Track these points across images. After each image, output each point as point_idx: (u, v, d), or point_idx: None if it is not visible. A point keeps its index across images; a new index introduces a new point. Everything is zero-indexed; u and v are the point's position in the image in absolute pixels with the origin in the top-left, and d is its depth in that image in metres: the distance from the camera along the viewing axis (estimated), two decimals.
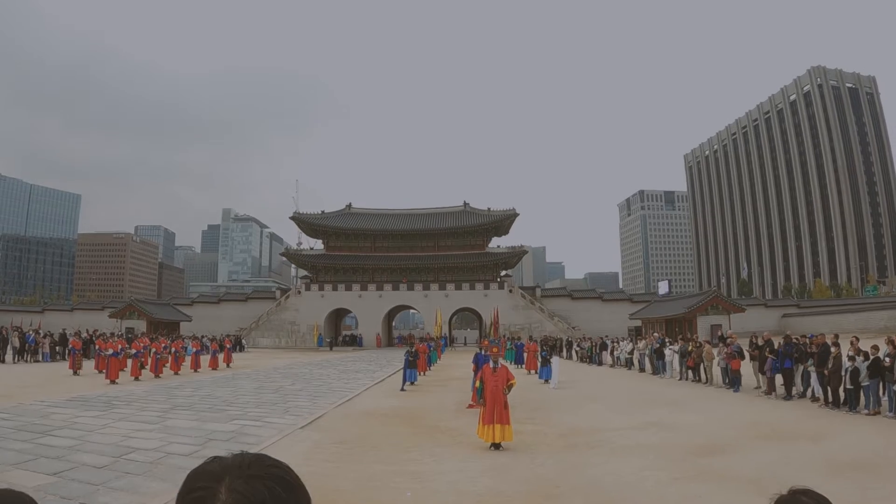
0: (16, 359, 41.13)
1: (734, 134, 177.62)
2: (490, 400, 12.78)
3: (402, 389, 25.97)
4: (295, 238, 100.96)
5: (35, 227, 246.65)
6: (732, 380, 24.27)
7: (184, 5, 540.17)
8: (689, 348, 29.09)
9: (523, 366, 37.83)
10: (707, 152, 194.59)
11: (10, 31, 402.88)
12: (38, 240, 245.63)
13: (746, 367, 24.32)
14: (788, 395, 20.77)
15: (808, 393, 20.42)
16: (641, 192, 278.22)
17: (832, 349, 18.95)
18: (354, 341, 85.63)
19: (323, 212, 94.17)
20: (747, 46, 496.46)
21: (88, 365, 35.20)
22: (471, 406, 18.97)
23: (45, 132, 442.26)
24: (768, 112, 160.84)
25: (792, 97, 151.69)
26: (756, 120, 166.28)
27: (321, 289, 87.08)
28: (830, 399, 18.43)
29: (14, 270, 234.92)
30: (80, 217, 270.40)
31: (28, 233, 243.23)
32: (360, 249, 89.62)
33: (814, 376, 19.99)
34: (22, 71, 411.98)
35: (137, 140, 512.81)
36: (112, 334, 44.74)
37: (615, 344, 42.90)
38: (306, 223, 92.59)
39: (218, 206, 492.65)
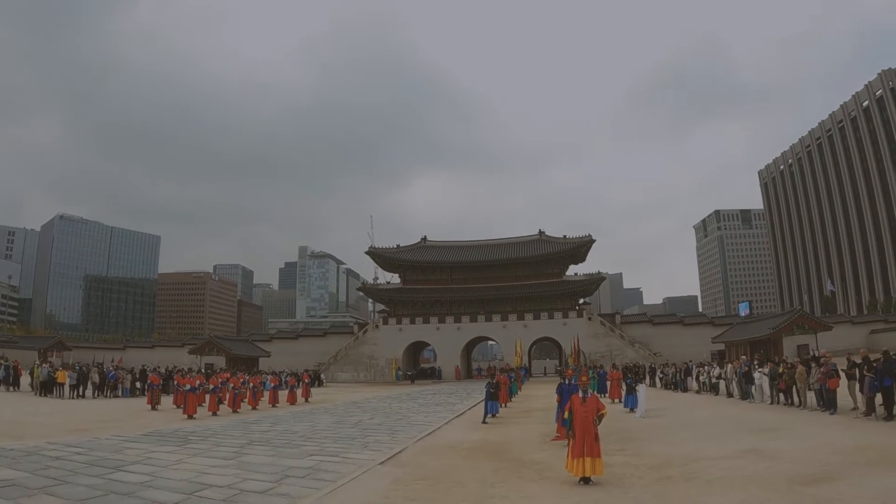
0: (95, 394, 42.13)
1: (808, 146, 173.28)
2: (580, 432, 12.34)
3: (484, 422, 25.66)
4: (371, 273, 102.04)
5: (117, 267, 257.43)
6: (828, 401, 23.18)
7: (268, 62, 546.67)
8: (781, 370, 28.13)
9: (607, 395, 37.15)
10: (782, 167, 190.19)
11: (97, 82, 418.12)
12: (119, 280, 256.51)
13: (841, 388, 23.12)
14: (890, 416, 19.76)
15: None
16: (717, 213, 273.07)
17: None
18: (433, 374, 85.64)
19: (398, 246, 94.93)
20: (814, 56, 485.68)
21: (167, 400, 35.81)
22: (556, 438, 18.65)
23: (127, 178, 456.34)
24: (842, 121, 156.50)
25: (865, 103, 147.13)
26: (830, 130, 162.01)
27: (399, 322, 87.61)
28: None
29: (97, 309, 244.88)
30: (161, 257, 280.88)
31: (110, 273, 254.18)
32: (436, 282, 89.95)
33: None
34: (105, 121, 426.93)
35: (214, 182, 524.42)
36: (190, 370, 45.43)
37: (701, 369, 41.91)
38: (382, 258, 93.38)
39: (294, 244, 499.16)
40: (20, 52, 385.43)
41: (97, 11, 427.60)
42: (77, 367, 43.79)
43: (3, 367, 44.95)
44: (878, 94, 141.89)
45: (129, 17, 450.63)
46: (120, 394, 43.34)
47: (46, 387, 40.63)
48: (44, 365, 43.99)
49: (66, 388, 40.30)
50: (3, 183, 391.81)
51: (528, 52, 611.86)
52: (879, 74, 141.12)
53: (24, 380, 44.89)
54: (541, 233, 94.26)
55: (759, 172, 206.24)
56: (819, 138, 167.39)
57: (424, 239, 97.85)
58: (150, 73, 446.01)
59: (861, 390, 21.59)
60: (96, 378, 42.88)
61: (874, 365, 20.78)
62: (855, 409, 22.21)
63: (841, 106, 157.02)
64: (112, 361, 59.58)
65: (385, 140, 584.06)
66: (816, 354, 29.15)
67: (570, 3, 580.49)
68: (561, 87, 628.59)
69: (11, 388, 42.99)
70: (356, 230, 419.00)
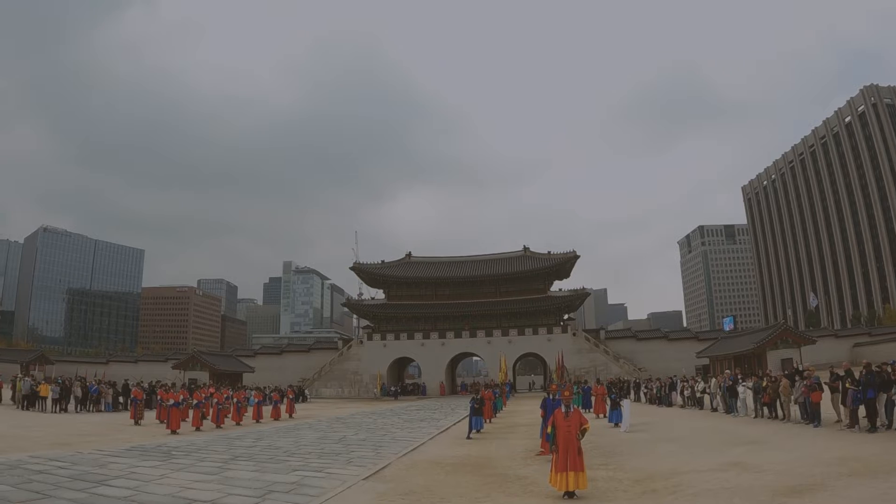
0: (78, 408, 41.64)
1: (791, 162, 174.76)
2: (563, 446, 12.34)
3: (469, 437, 25.60)
4: (356, 289, 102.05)
5: (100, 281, 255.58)
6: (812, 414, 23.25)
7: (243, 72, 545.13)
8: (764, 384, 28.21)
9: (591, 410, 37.12)
10: (765, 182, 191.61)
11: (81, 92, 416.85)
12: (103, 293, 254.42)
13: (825, 401, 23.19)
14: (873, 427, 19.83)
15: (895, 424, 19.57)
16: (701, 228, 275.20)
17: None
18: (418, 390, 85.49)
19: (383, 261, 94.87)
20: (796, 74, 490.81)
21: (150, 415, 35.40)
22: (541, 453, 18.62)
23: (111, 190, 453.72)
24: (824, 136, 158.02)
25: (847, 119, 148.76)
26: (812, 146, 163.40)
27: (383, 338, 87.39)
28: None
29: (80, 323, 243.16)
30: (144, 271, 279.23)
31: (93, 287, 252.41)
32: (421, 298, 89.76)
33: None
34: (89, 133, 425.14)
35: (199, 196, 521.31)
36: (174, 385, 45.31)
37: (685, 383, 41.93)
38: (367, 273, 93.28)
39: (279, 259, 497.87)
40: (2, 60, 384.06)
41: (81, 22, 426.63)
42: (59, 381, 43.43)
43: None
44: (860, 109, 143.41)
45: (113, 30, 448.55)
46: (103, 408, 42.95)
47: (29, 400, 40.29)
48: (26, 378, 43.68)
49: (49, 401, 39.91)
50: None
51: (510, 69, 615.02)
52: (861, 90, 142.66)
53: (6, 393, 44.55)
54: (525, 249, 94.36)
55: (743, 188, 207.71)
56: (802, 154, 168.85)
57: (409, 255, 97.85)
58: (133, 85, 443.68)
59: (844, 402, 21.63)
60: (79, 392, 42.51)
61: (857, 377, 20.89)
62: (839, 421, 22.24)
63: (823, 122, 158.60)
64: (95, 376, 59.30)
65: (369, 156, 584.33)
66: (800, 368, 29.21)
67: (552, 23, 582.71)
68: (543, 103, 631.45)
69: None
70: (341, 246, 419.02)
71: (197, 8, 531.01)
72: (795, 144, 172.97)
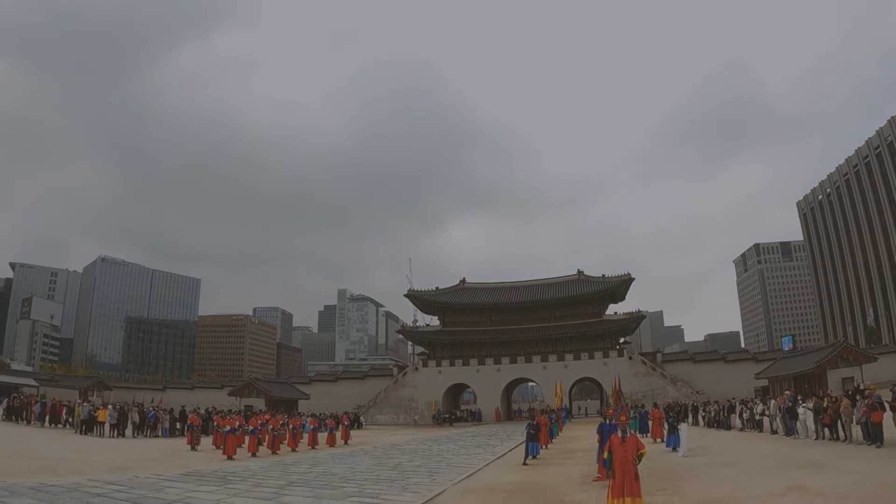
0: (136, 433, 42.61)
1: (846, 174, 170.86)
2: (619, 471, 12.28)
3: (525, 463, 25.49)
4: (410, 315, 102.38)
5: (157, 309, 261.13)
6: (874, 434, 22.79)
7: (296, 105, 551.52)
8: (825, 404, 27.74)
9: (649, 434, 36.84)
10: (820, 196, 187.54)
11: (137, 126, 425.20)
12: (160, 322, 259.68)
13: (886, 420, 22.69)
14: None
15: None
16: (757, 246, 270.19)
17: None
18: (473, 416, 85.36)
19: (437, 288, 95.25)
20: (843, 82, 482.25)
21: (206, 441, 35.95)
22: (598, 479, 18.58)
23: (167, 221, 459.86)
24: (878, 147, 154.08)
25: None
26: (867, 157, 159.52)
27: (438, 365, 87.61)
28: None
29: (137, 350, 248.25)
30: (201, 299, 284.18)
31: (150, 315, 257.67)
32: (476, 324, 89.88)
33: None
34: (145, 166, 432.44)
35: (253, 226, 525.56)
36: (230, 411, 45.85)
37: (744, 406, 41.36)
38: (421, 300, 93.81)
39: (333, 287, 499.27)
40: (64, 98, 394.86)
41: (138, 58, 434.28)
42: (117, 407, 44.35)
43: (40, 402, 46.05)
44: None
45: (169, 65, 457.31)
46: (160, 434, 43.90)
47: (87, 425, 41.27)
48: (85, 404, 44.70)
49: (107, 426, 40.96)
50: (47, 225, 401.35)
51: (558, 89, 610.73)
52: None
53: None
54: (579, 272, 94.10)
55: (798, 203, 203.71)
56: (857, 166, 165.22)
57: (463, 281, 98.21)
58: (188, 119, 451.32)
59: None
60: (136, 418, 43.62)
61: None
62: None
63: (877, 132, 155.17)
64: (152, 402, 60.43)
65: (422, 182, 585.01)
66: (861, 387, 28.70)
67: (599, 42, 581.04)
68: (595, 124, 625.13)
69: (53, 426, 44.21)
70: (395, 273, 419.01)
71: (248, 43, 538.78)
72: (849, 156, 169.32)
